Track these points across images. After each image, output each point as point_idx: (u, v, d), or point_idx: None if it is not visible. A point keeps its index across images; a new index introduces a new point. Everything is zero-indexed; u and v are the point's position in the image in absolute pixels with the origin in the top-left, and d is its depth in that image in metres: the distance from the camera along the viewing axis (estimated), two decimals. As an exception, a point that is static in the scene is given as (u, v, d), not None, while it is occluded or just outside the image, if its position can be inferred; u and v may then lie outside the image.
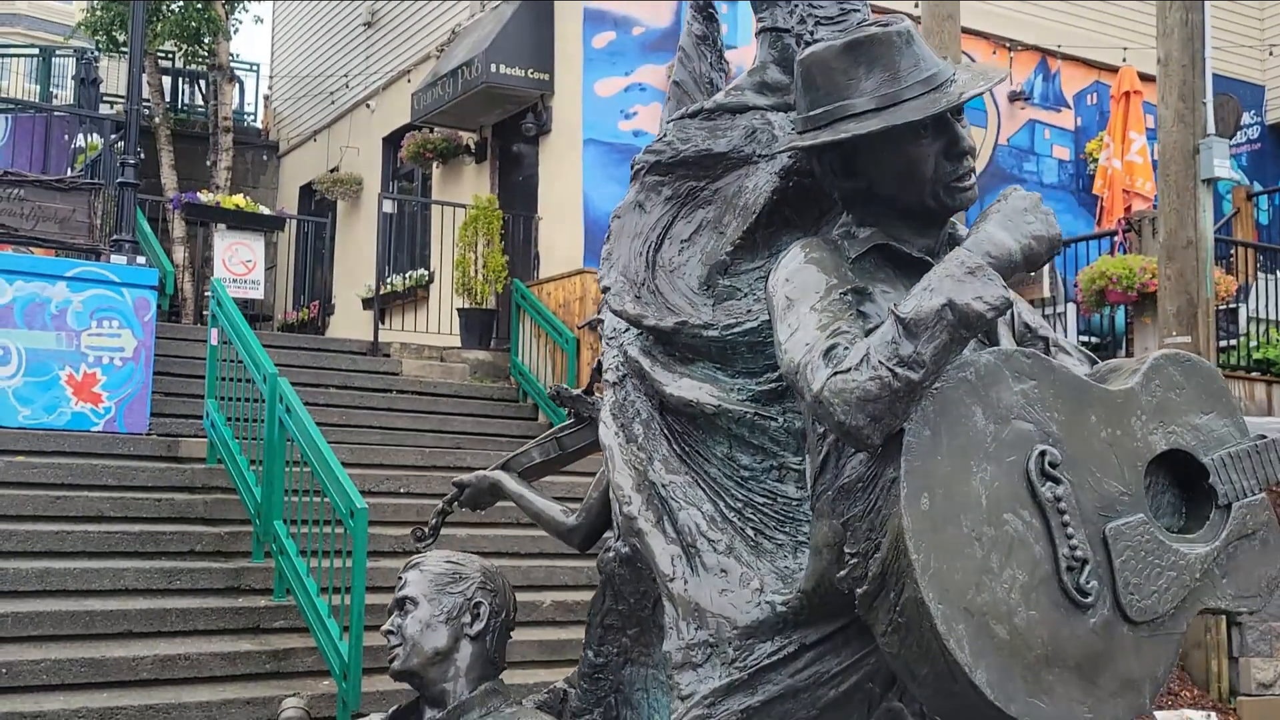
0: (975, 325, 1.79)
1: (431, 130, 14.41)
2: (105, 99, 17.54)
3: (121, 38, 15.28)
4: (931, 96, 2.03)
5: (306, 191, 18.24)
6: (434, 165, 14.87)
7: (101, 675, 6.27)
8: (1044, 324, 2.28)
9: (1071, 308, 11.50)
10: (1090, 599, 1.79)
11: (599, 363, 2.50)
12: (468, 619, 2.48)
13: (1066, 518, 1.79)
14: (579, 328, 11.29)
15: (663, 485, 2.18)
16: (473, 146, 14.27)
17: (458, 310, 12.47)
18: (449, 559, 2.59)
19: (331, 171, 17.04)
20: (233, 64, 17.80)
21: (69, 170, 12.89)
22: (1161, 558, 1.87)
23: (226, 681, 6.49)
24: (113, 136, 10.83)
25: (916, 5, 10.74)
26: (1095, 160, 15.04)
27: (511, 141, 13.84)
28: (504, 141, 14.06)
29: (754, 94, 2.44)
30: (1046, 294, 11.68)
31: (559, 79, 12.96)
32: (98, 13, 15.93)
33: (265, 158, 19.42)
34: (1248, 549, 1.98)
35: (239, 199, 13.09)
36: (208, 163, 16.25)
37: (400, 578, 2.53)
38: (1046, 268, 11.83)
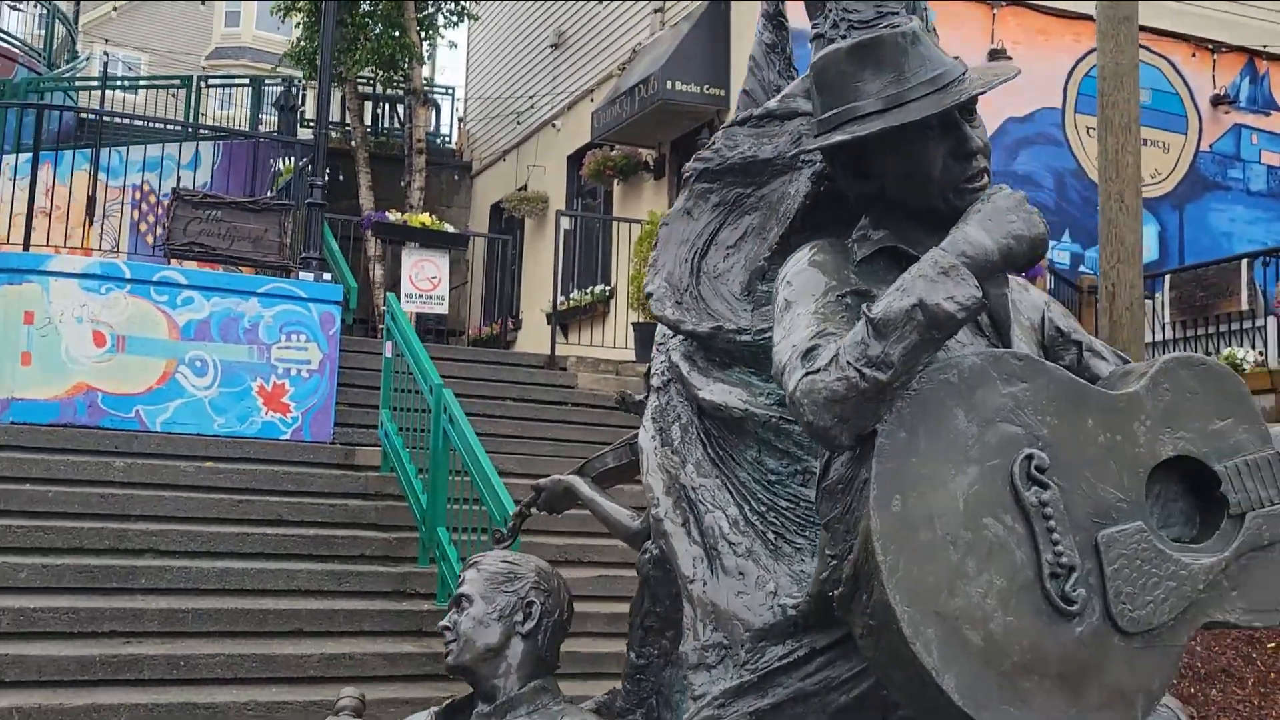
0: (946, 326, 1.75)
1: (612, 148, 14.65)
2: (310, 124, 18.42)
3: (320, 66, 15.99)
4: (935, 97, 2.00)
5: (496, 210, 18.77)
6: (614, 182, 15.10)
7: (271, 671, 6.57)
8: (1078, 328, 2.21)
9: (1272, 321, 10.91)
10: (1076, 607, 1.72)
11: (648, 368, 2.54)
12: (520, 617, 2.54)
13: (1052, 523, 1.73)
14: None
15: (693, 488, 2.20)
16: (651, 163, 14.44)
17: (632, 324, 12.62)
18: (505, 559, 2.65)
19: (519, 190, 17.48)
20: (431, 88, 18.46)
21: (269, 192, 13.58)
22: (1160, 567, 1.79)
23: (388, 681, 6.70)
24: (303, 160, 11.37)
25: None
26: (1307, 166, 14.26)
27: (689, 157, 13.94)
28: (682, 157, 14.17)
29: (804, 100, 2.43)
30: (1245, 306, 11.13)
31: (734, 94, 13.00)
32: (301, 44, 16.75)
33: (457, 178, 20.05)
34: (1264, 561, 1.87)
35: (425, 218, 13.56)
36: (402, 183, 16.89)
37: (460, 576, 2.62)
38: (1245, 279, 11.26)
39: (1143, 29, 14.34)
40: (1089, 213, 13.57)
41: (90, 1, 38.55)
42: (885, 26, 2.10)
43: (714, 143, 2.55)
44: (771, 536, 2.14)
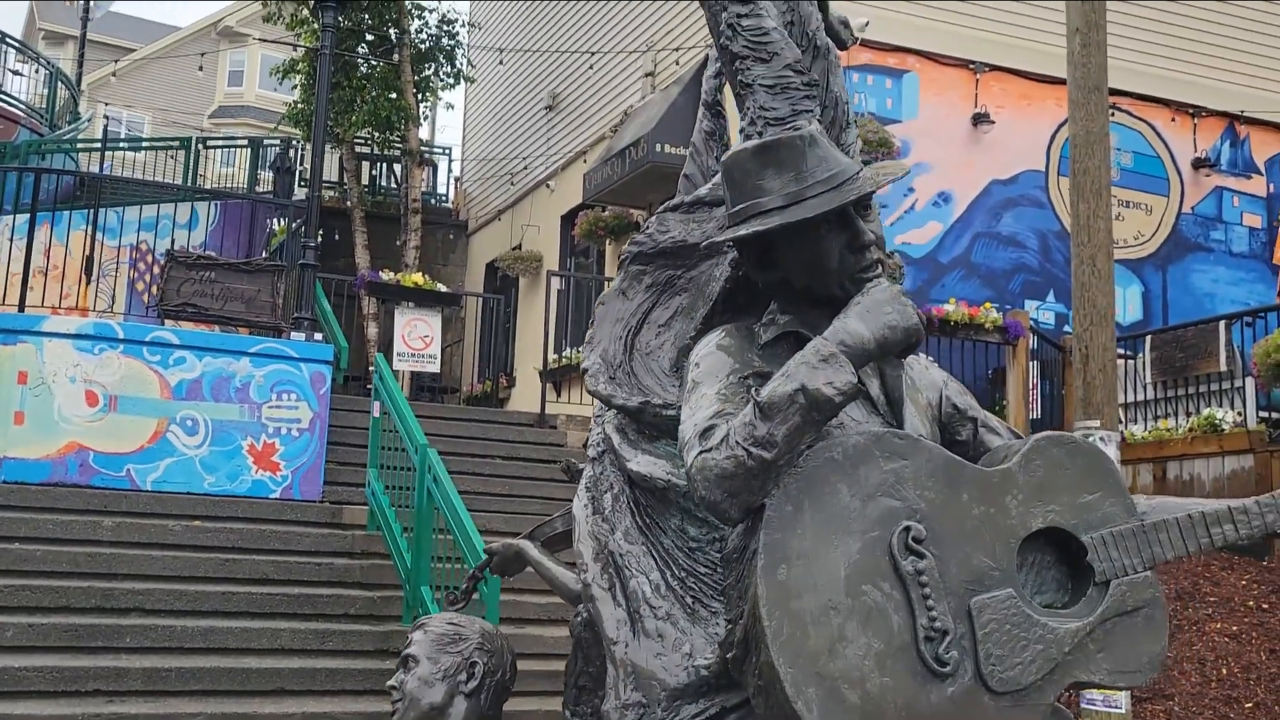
0: (825, 409, 1.88)
1: (604, 209, 14.85)
2: (308, 184, 18.65)
3: (319, 127, 16.22)
4: (830, 195, 2.15)
5: (491, 268, 18.97)
6: (606, 242, 15.30)
7: (252, 729, 6.65)
8: (974, 405, 2.35)
9: (1250, 382, 11.04)
10: (949, 668, 1.84)
11: (587, 439, 2.67)
12: (464, 677, 2.66)
13: (927, 590, 1.86)
14: (737, 401, 11.41)
15: (620, 554, 2.32)
16: (641, 223, 14.63)
17: (622, 384, 12.74)
18: (451, 621, 2.78)
19: (514, 249, 17.68)
20: (429, 149, 18.69)
21: (263, 252, 13.76)
22: (1028, 631, 1.91)
23: (368, 740, 6.78)
24: (296, 222, 11.56)
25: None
26: (1286, 227, 14.47)
27: (679, 218, 14.11)
28: (672, 218, 14.37)
29: None
30: (1223, 368, 11.26)
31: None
32: (299, 105, 17.03)
33: (453, 236, 20.28)
34: (1128, 625, 1.99)
35: (418, 277, 13.74)
36: (398, 242, 17.10)
37: (408, 638, 2.74)
38: (1223, 340, 11.40)
39: (1125, 94, 14.63)
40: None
41: (94, 62, 39.10)
42: (789, 128, 2.26)
43: (648, 227, 2.70)
44: (690, 600, 2.27)
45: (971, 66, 14.04)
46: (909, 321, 2.03)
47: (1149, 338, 12.16)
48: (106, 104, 32.95)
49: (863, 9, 13.37)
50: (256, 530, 8.37)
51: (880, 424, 2.11)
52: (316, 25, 14.93)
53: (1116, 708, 7.73)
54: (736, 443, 1.88)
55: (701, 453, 1.91)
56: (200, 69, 25.48)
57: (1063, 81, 13.39)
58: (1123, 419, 12.55)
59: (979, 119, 13.96)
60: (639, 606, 2.25)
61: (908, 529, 1.88)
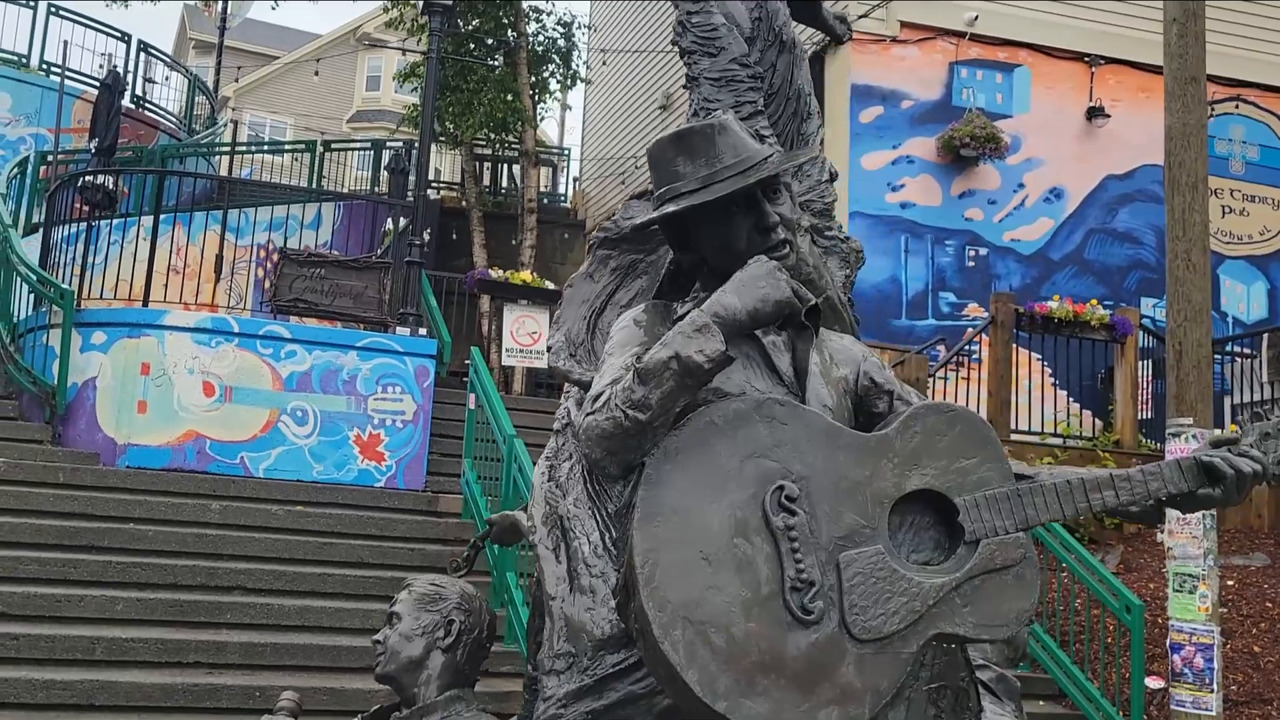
0: (697, 374, 2.01)
1: (712, 206, 14.95)
2: (434, 184, 19.18)
3: (437, 129, 16.71)
4: (735, 179, 2.27)
5: (607, 267, 19.21)
6: (717, 240, 15.41)
7: (340, 704, 6.92)
8: (891, 379, 2.43)
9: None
10: (813, 617, 1.94)
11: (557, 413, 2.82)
12: (441, 634, 2.85)
13: (796, 544, 1.96)
14: (836, 397, 11.42)
15: (568, 518, 2.47)
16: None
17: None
18: (434, 582, 2.96)
19: (628, 248, 17.89)
20: (546, 150, 19.04)
21: (378, 250, 14.22)
22: (893, 584, 2.00)
23: (450, 718, 7.01)
24: (404, 221, 11.94)
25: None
26: None
27: (785, 215, 14.15)
28: (778, 215, 14.42)
29: None
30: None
31: (828, 154, 13.23)
32: (418, 109, 17.51)
33: (568, 236, 20.61)
34: (997, 583, 2.07)
35: (525, 275, 14.04)
36: (514, 241, 17.47)
37: (394, 597, 2.93)
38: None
39: (1250, 85, 14.22)
40: (1193, 270, 13.40)
41: (237, 69, 40.55)
42: (708, 117, 2.38)
43: (615, 214, 2.84)
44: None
45: (1086, 59, 13.80)
46: (781, 294, 2.14)
47: (1266, 335, 11.81)
48: (232, 111, 34.16)
49: (972, 4, 13.29)
50: (355, 516, 8.71)
51: (783, 394, 2.22)
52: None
53: (1207, 710, 7.59)
54: (616, 405, 2.03)
55: (588, 414, 2.07)
56: (316, 74, 26.28)
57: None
58: (1239, 418, 12.20)
59: (1093, 113, 13.71)
60: (578, 565, 2.39)
61: (781, 488, 1.99)
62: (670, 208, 2.31)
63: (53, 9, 17.34)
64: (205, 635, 7.21)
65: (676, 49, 2.79)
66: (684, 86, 2.69)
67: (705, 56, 2.66)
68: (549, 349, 2.68)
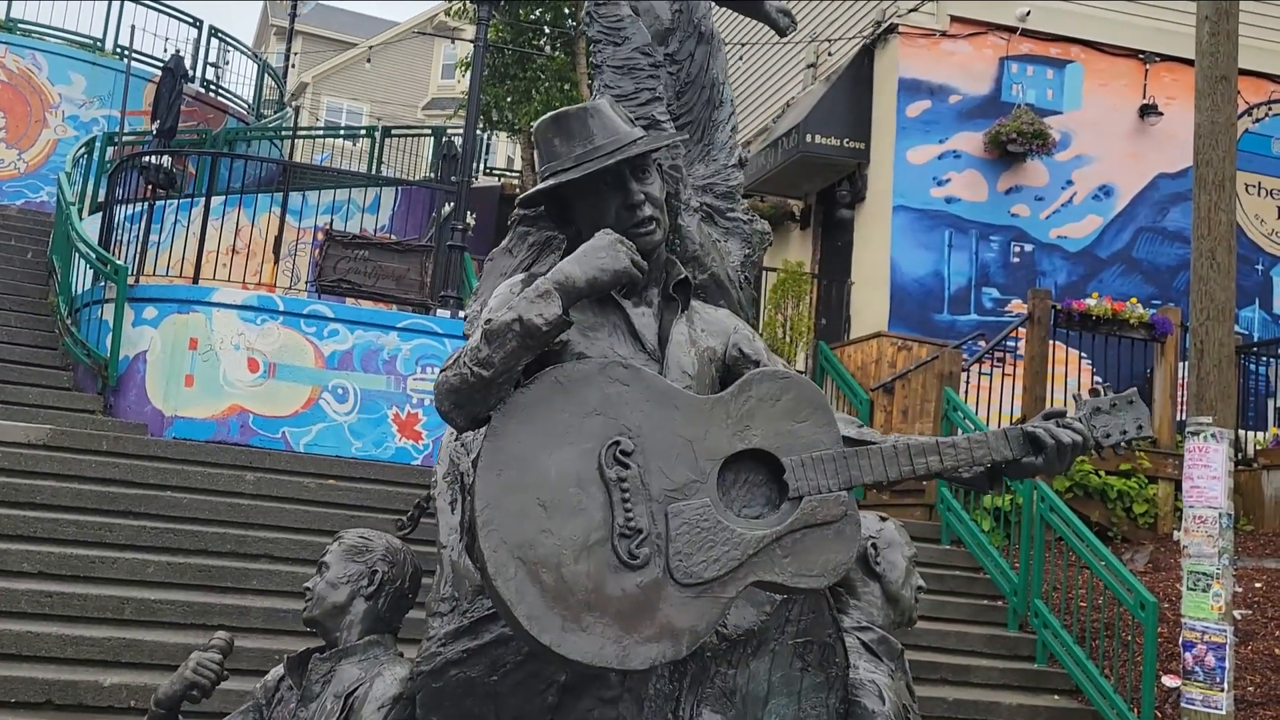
0: (536, 336, 2.16)
1: (761, 199, 15.07)
2: (490, 172, 19.45)
3: (495, 118, 16.97)
4: (602, 159, 2.42)
5: (661, 256, 19.37)
6: (766, 232, 15.49)
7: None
8: (760, 350, 2.57)
9: None
10: (638, 561, 2.09)
11: None
12: (365, 582, 3.03)
13: (627, 495, 2.12)
14: (871, 390, 11.51)
15: (467, 474, 2.64)
16: (797, 213, 14.80)
17: (763, 369, 12.95)
18: (363, 535, 3.15)
19: (681, 238, 18.04)
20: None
21: (431, 233, 14.52)
22: (716, 534, 2.14)
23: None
24: (447, 207, 12.18)
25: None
26: None
27: (833, 208, 14.26)
28: (826, 208, 14.51)
29: None
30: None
31: (874, 148, 13.28)
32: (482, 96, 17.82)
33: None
34: (818, 536, 2.20)
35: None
36: (568, 229, 17.68)
37: (325, 547, 3.12)
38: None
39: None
40: (1245, 271, 13.28)
41: (316, 54, 41.23)
42: (603, 98, 2.54)
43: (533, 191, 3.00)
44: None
45: (1141, 56, 13.70)
46: (618, 265, 2.28)
47: (1312, 338, 11.68)
48: (300, 97, 34.76)
49: (1024, 1, 13.23)
50: (383, 490, 8.95)
51: (644, 360, 2.38)
52: (496, 20, 15.61)
53: (1217, 709, 7.58)
54: (464, 362, 2.19)
55: (442, 371, 2.24)
56: (368, 61, 26.65)
57: (1247, 72, 12.99)
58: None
59: (1147, 110, 13.61)
60: (469, 519, 2.56)
61: (617, 443, 2.14)
62: (545, 184, 2.47)
63: (127, -6, 17.87)
64: (230, 600, 7.48)
65: (585, 37, 2.95)
66: (588, 73, 2.84)
67: (610, 45, 2.82)
68: (465, 318, 2.85)
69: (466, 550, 2.27)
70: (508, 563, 2.03)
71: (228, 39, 19.61)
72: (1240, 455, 11.06)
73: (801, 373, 10.49)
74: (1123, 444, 2.44)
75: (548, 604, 2.02)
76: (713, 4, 3.11)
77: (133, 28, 17.12)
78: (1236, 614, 8.55)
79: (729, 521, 2.17)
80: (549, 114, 2.53)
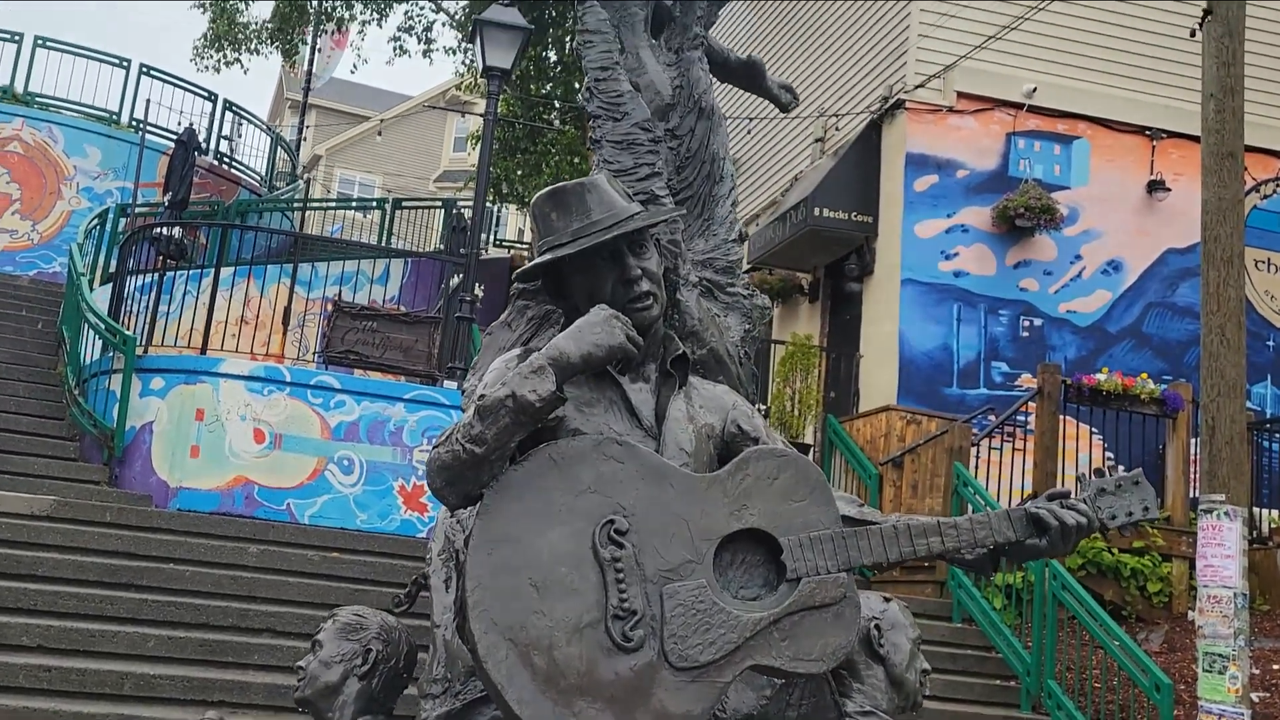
0: (530, 412, 2.13)
1: (770, 271, 15.09)
2: (501, 244, 19.54)
3: (505, 190, 17.08)
4: (599, 234, 2.40)
5: (671, 329, 19.37)
6: (775, 304, 15.50)
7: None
8: (760, 427, 2.53)
9: None
10: (633, 644, 2.04)
11: None
12: (359, 661, 2.96)
13: (621, 576, 2.07)
14: (880, 464, 11.43)
15: (462, 551, 2.59)
16: (806, 286, 14.81)
17: (772, 443, 12.89)
18: (357, 613, 3.09)
19: (690, 310, 18.05)
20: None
21: (440, 304, 14.54)
22: (712, 616, 2.09)
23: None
24: (455, 279, 12.21)
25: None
26: None
27: (841, 281, 14.26)
28: (835, 281, 14.51)
29: None
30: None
31: (882, 221, 13.32)
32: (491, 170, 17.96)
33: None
34: (817, 619, 2.14)
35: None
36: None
37: (320, 625, 3.06)
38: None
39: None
40: (1256, 347, 13.22)
41: (330, 128, 41.66)
42: (592, 175, 2.53)
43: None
44: (506, 594, 2.51)
45: (1148, 133, 13.76)
46: (614, 340, 2.26)
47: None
48: (343, 168, 35.07)
49: (1031, 76, 13.33)
50: (387, 564, 8.87)
51: (640, 436, 2.34)
52: (507, 94, 15.76)
53: (1237, 741, 7.42)
54: (456, 439, 2.16)
55: (434, 448, 2.21)
56: (379, 134, 26.90)
57: (1253, 149, 13.03)
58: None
59: (1154, 186, 13.63)
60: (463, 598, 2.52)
61: (611, 522, 2.10)
62: (542, 259, 2.46)
63: (144, 69, 18.08)
64: (231, 675, 7.36)
65: (585, 111, 2.95)
66: (587, 147, 2.84)
67: (609, 120, 2.82)
68: (463, 392, 2.82)
69: (458, 630, 2.22)
70: (499, 644, 1.98)
71: (242, 112, 19.82)
72: (1254, 533, 10.92)
73: (810, 446, 10.40)
74: (1129, 526, 2.39)
75: (539, 687, 1.97)
76: (715, 80, 3.12)
77: (148, 101, 17.31)
78: (1254, 696, 8.39)
79: (725, 603, 2.12)
80: (546, 189, 2.53)
